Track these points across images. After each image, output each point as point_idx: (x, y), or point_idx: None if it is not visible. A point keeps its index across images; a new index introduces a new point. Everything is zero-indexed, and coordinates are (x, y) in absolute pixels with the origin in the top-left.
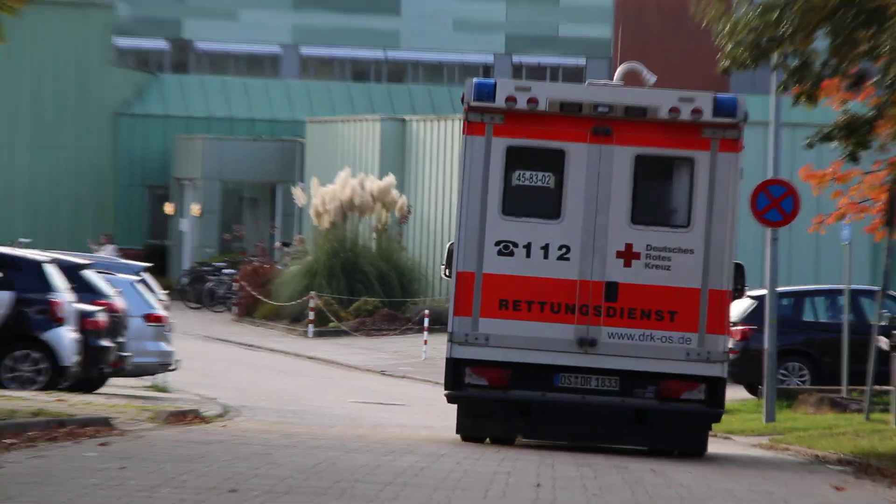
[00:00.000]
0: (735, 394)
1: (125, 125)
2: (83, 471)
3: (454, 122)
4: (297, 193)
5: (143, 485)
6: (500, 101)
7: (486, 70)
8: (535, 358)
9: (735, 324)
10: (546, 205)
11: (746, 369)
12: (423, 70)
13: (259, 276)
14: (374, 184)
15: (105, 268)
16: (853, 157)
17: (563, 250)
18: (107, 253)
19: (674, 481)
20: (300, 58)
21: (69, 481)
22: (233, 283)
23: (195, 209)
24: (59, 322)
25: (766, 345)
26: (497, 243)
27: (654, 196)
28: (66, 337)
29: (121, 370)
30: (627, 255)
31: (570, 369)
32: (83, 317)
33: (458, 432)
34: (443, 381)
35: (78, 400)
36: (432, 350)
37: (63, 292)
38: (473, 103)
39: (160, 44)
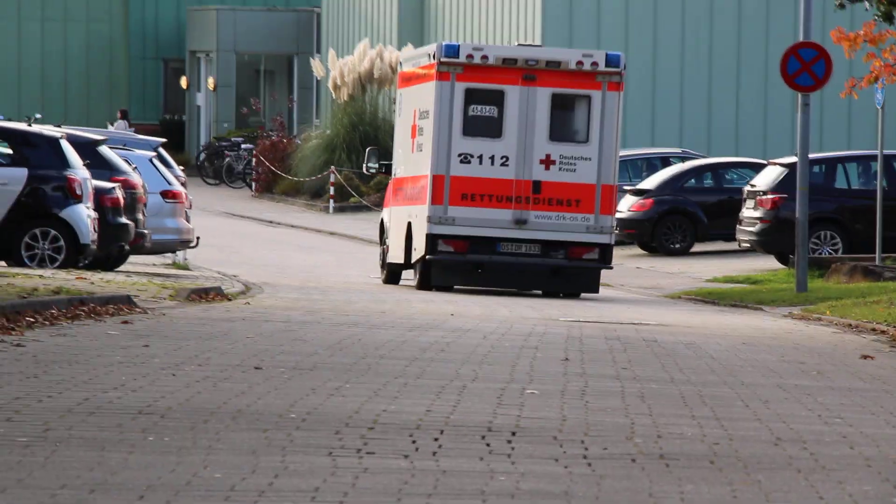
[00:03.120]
0: (766, 264)
1: None
2: (107, 349)
3: None
4: (316, 66)
5: (167, 362)
6: (462, 58)
7: None
8: (485, 232)
9: (766, 192)
10: (492, 128)
11: (777, 238)
12: None
13: (278, 151)
14: (392, 54)
15: (120, 143)
16: (888, 17)
17: (504, 159)
18: (118, 129)
19: (704, 353)
20: None
21: (93, 359)
22: (251, 158)
23: (210, 83)
24: (77, 199)
25: (797, 213)
26: (459, 155)
27: (565, 121)
28: (84, 214)
29: (140, 248)
30: (547, 162)
31: (508, 240)
32: (100, 193)
33: (432, 284)
34: None
35: (98, 278)
36: None
37: (79, 169)
38: (443, 59)
39: None
